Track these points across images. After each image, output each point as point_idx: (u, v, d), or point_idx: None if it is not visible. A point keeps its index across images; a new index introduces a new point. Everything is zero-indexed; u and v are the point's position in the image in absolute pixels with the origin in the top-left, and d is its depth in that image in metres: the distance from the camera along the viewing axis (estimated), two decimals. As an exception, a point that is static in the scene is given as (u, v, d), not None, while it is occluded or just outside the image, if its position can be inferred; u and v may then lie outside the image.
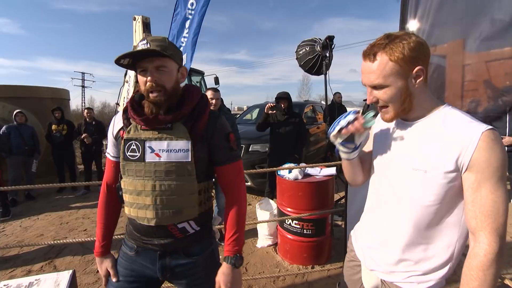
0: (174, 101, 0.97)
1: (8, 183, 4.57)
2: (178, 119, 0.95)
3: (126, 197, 0.99)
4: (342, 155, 1.00)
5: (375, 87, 0.84)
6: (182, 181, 0.95)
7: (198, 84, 8.11)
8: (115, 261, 1.12)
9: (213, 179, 1.11)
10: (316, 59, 2.88)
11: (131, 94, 6.28)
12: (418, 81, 0.80)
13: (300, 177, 2.58)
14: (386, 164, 0.93)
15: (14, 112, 4.88)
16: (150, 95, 0.92)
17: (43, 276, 1.69)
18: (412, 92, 0.82)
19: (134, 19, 4.82)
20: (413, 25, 2.24)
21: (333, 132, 0.93)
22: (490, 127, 0.74)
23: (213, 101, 2.83)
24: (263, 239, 3.02)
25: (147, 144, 0.94)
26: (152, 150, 0.94)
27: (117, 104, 7.14)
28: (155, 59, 0.91)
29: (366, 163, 1.05)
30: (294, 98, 4.83)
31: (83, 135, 5.06)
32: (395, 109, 0.85)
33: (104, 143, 5.91)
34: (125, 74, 6.69)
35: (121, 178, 1.01)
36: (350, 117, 0.91)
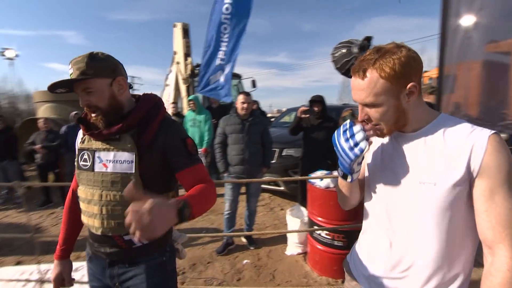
0: (114, 116, 0.95)
1: (66, 177, 5.14)
2: (125, 131, 0.94)
3: (80, 205, 1.02)
4: (355, 176, 0.88)
5: (366, 105, 0.78)
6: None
7: (236, 88, 8.26)
8: (71, 268, 1.15)
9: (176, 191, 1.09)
10: (353, 61, 2.72)
11: (171, 97, 6.67)
12: (411, 97, 0.76)
13: (332, 185, 2.46)
14: (387, 179, 0.84)
15: (73, 114, 5.46)
16: (90, 115, 0.96)
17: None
18: (406, 108, 0.77)
19: (175, 26, 5.09)
20: (467, 19, 1.99)
21: (362, 152, 0.79)
22: (494, 131, 0.71)
23: (245, 105, 2.84)
24: (293, 247, 2.95)
25: (97, 154, 0.96)
26: (100, 160, 0.96)
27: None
28: (79, 83, 0.90)
29: (361, 180, 0.97)
30: (334, 101, 4.63)
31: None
32: (388, 126, 0.79)
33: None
34: (166, 78, 7.11)
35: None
36: (358, 127, 0.81)
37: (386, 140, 0.88)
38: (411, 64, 0.72)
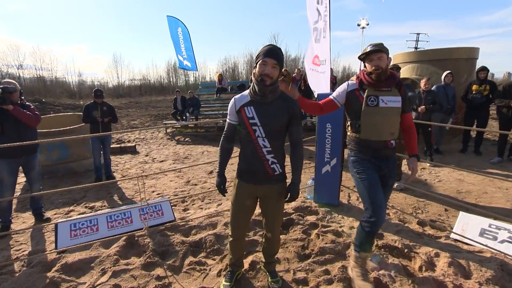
0: (384, 75, 1.89)
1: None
2: (392, 85, 1.93)
3: (364, 127, 1.94)
4: None
5: None
6: (395, 116, 1.93)
7: None
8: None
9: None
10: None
11: None
12: None
13: None
14: None
15: (444, 74, 5.44)
16: (375, 72, 1.88)
17: None
18: None
19: None
20: None
21: None
22: None
23: None
24: None
25: (380, 97, 1.91)
26: (383, 101, 1.90)
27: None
28: (378, 53, 1.87)
29: None
30: None
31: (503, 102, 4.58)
32: None
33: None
34: None
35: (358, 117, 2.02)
36: None
37: None
38: None
